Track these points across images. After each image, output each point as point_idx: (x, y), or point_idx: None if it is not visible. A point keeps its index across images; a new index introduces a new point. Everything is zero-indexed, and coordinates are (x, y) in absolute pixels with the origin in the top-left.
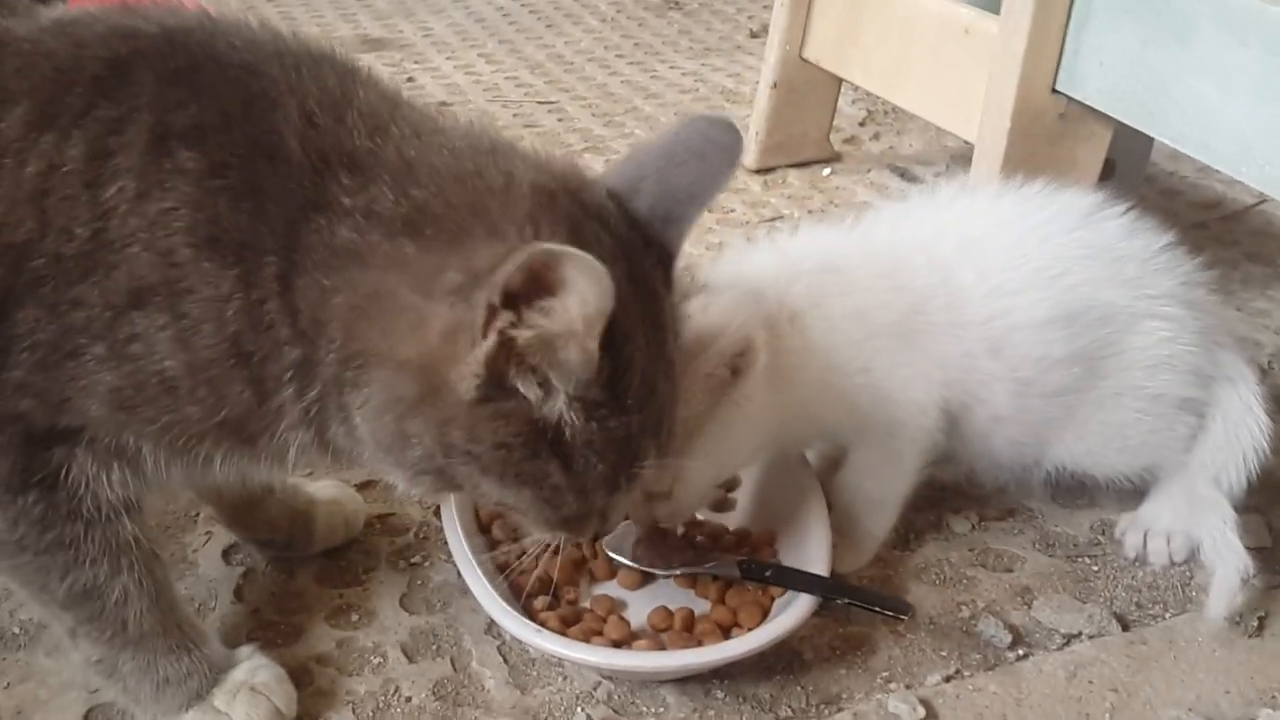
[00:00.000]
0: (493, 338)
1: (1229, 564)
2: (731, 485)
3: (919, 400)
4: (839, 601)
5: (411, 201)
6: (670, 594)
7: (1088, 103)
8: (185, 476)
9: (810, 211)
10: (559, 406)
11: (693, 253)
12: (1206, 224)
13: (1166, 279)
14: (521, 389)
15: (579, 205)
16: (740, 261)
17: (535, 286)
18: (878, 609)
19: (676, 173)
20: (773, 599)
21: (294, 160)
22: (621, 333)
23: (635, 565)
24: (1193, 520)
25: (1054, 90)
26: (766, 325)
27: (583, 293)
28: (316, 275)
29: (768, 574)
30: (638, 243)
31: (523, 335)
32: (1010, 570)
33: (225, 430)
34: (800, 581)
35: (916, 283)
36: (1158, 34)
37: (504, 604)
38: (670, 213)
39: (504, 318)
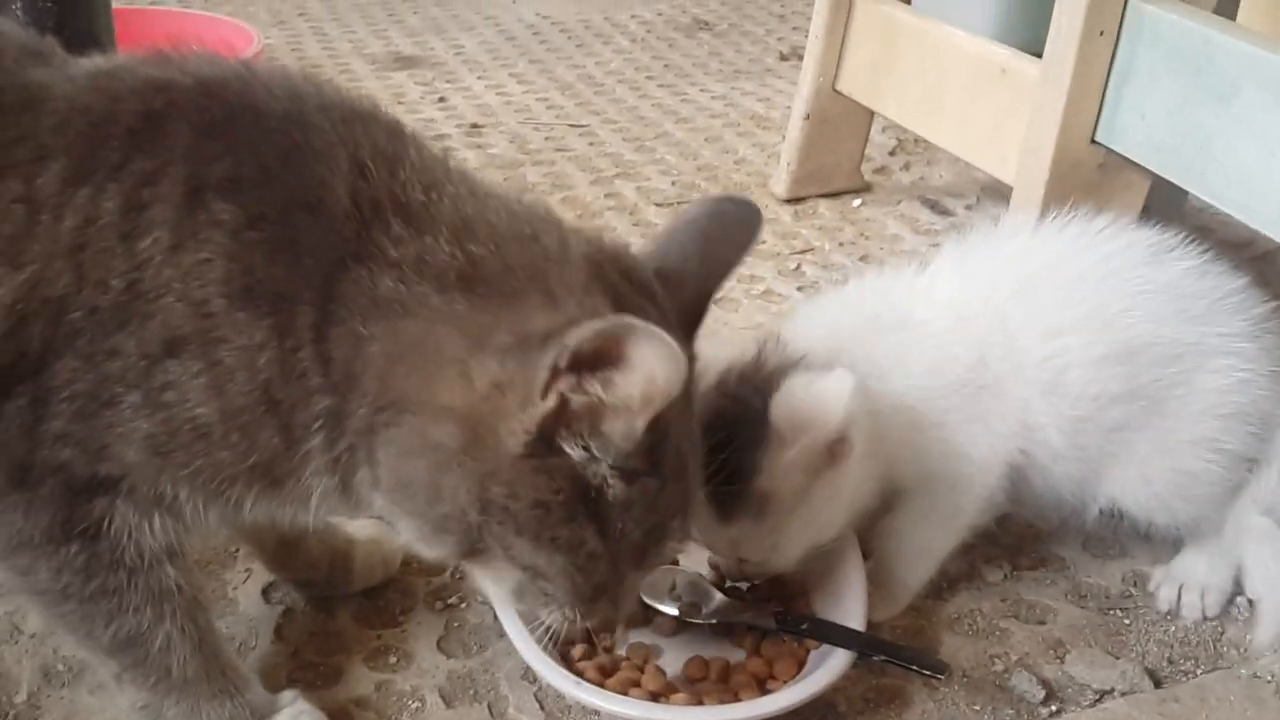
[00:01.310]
0: (553, 400)
1: (1275, 599)
2: None
3: (986, 456)
4: (875, 659)
5: (468, 257)
6: (704, 642)
7: (1127, 155)
8: (220, 519)
9: (841, 244)
10: (602, 470)
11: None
12: (1238, 264)
13: (1238, 319)
14: (567, 449)
15: (628, 279)
16: (815, 319)
17: (601, 356)
18: (915, 668)
19: (714, 250)
20: (808, 650)
21: (339, 211)
22: (668, 412)
23: (671, 612)
24: (1240, 550)
25: (1093, 141)
26: (868, 412)
27: (651, 372)
28: (353, 324)
29: (804, 626)
30: (674, 314)
31: (577, 400)
32: (1043, 622)
33: (255, 474)
34: (837, 636)
35: (979, 330)
36: (1199, 92)
37: (542, 653)
38: (707, 286)
39: (567, 381)
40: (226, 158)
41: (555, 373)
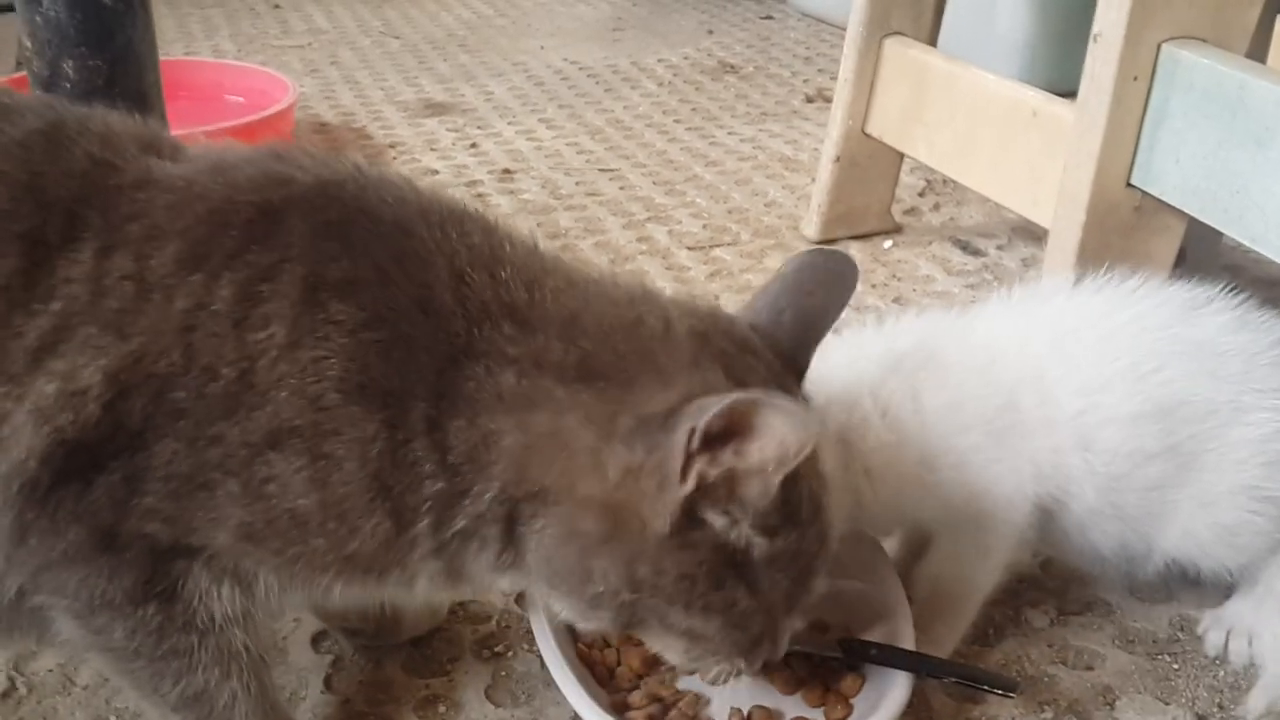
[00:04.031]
0: (692, 481)
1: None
2: None
3: (1010, 495)
4: (945, 680)
5: (581, 350)
6: (753, 691)
7: (1163, 198)
8: (302, 602)
9: (874, 286)
10: (744, 532)
11: None
12: (1274, 301)
13: (1276, 373)
14: (709, 519)
15: (732, 342)
16: (845, 348)
17: (729, 430)
18: (986, 687)
19: (808, 301)
20: (858, 691)
21: (446, 313)
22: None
23: None
24: (1259, 616)
25: (1129, 184)
26: (840, 439)
27: (781, 437)
28: (479, 419)
29: (872, 653)
30: (780, 366)
31: (714, 473)
32: (1091, 668)
33: (353, 563)
34: (904, 660)
35: (1009, 377)
36: (1234, 135)
37: (593, 702)
38: (805, 337)
39: (702, 460)
40: (344, 259)
41: (690, 455)
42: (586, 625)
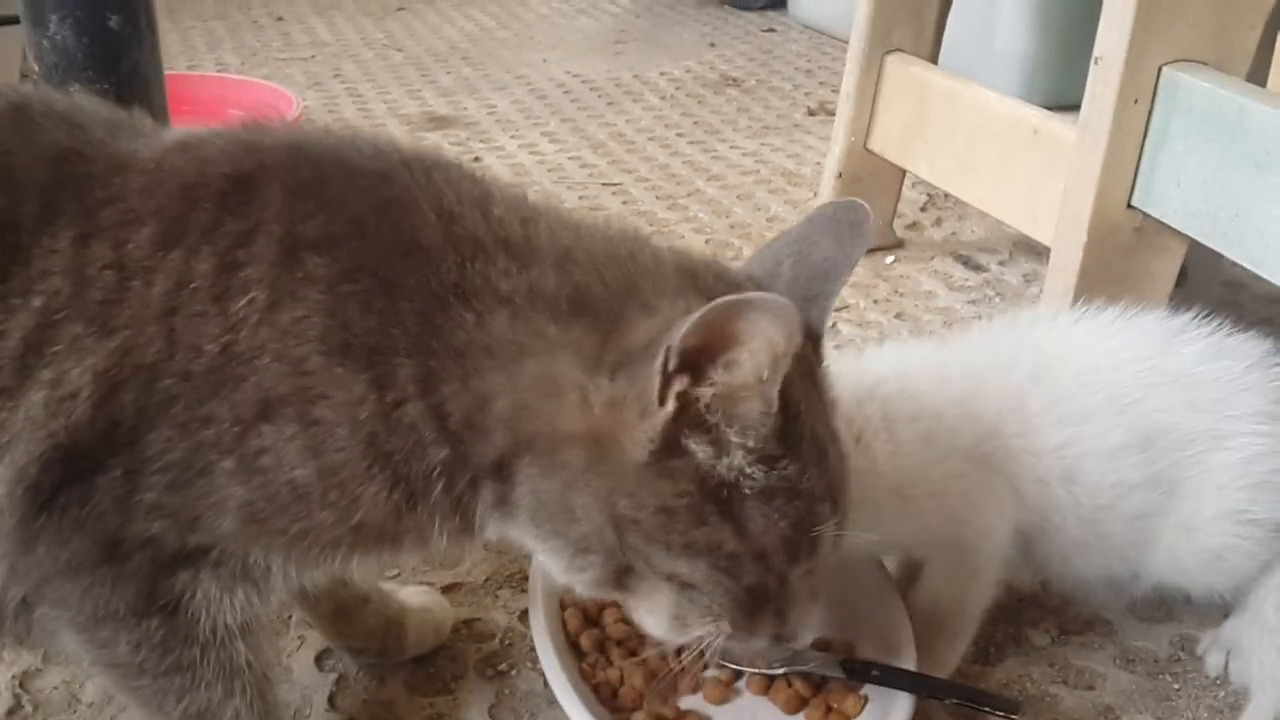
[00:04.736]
0: (671, 404)
1: (1266, 698)
2: None
3: (990, 522)
4: (946, 701)
5: (574, 283)
6: (755, 710)
7: (1164, 220)
8: (318, 582)
9: (876, 301)
10: (735, 461)
11: None
12: (1273, 320)
13: (1255, 398)
14: (693, 448)
15: (723, 282)
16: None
17: (711, 345)
18: (988, 709)
19: (812, 252)
20: (860, 711)
21: (435, 253)
22: (792, 387)
23: (736, 666)
24: (1246, 638)
25: (1130, 205)
26: None
27: (767, 333)
28: (469, 379)
29: (874, 673)
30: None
31: (704, 395)
32: (1092, 687)
33: (362, 533)
34: (906, 681)
35: (990, 408)
36: (1234, 159)
37: (592, 718)
38: (810, 291)
39: (680, 382)
40: (320, 214)
41: (667, 377)
42: (578, 582)
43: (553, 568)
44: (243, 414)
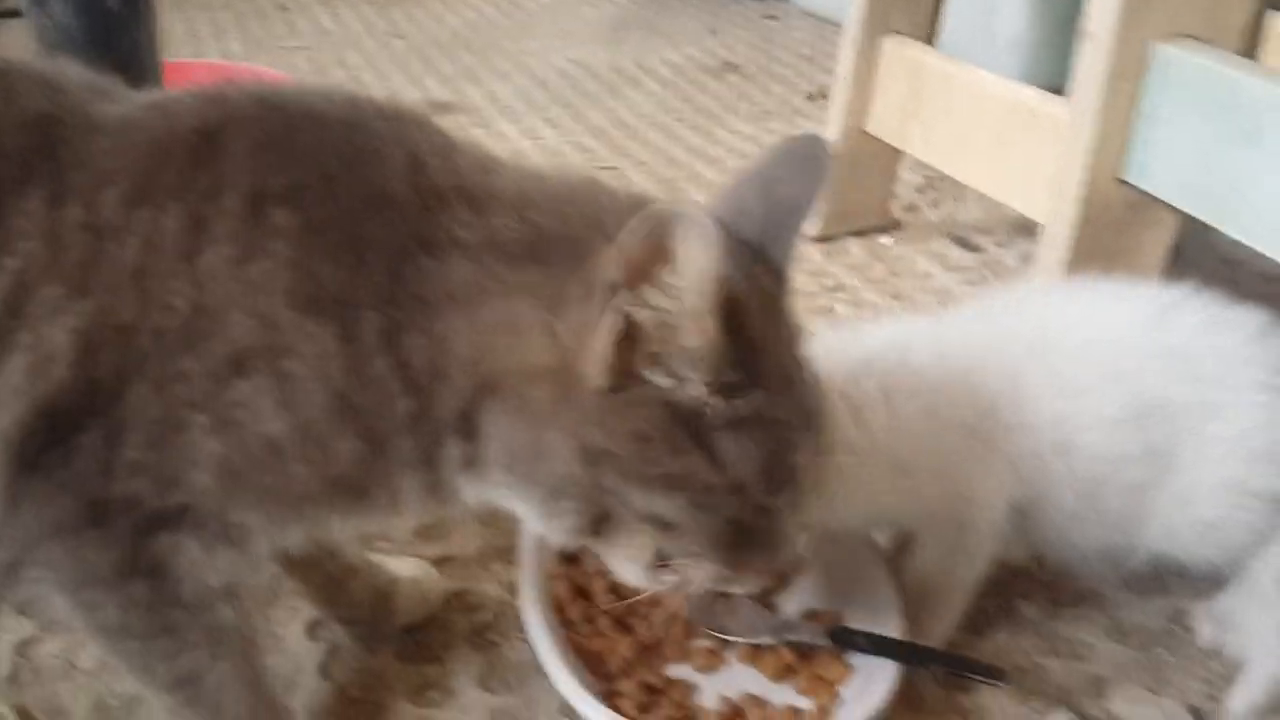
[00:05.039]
0: (613, 315)
1: (1263, 669)
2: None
3: (988, 497)
4: (933, 669)
5: (533, 227)
6: (743, 678)
7: (1155, 194)
8: (298, 542)
9: (872, 281)
10: (695, 391)
11: None
12: (1272, 296)
13: (1252, 370)
14: (653, 378)
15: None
16: (818, 349)
17: (652, 261)
18: (974, 675)
19: (777, 189)
20: (846, 679)
21: (402, 204)
22: (746, 314)
23: (724, 635)
24: (1243, 610)
25: (1121, 180)
26: None
27: (694, 253)
28: (431, 326)
29: (860, 641)
30: (748, 255)
31: (639, 315)
32: (1082, 659)
33: (337, 487)
34: (892, 649)
35: (988, 383)
36: (1227, 131)
37: (581, 689)
38: (776, 227)
39: (624, 296)
40: (287, 166)
41: (612, 289)
42: (555, 530)
43: (529, 519)
44: (215, 369)
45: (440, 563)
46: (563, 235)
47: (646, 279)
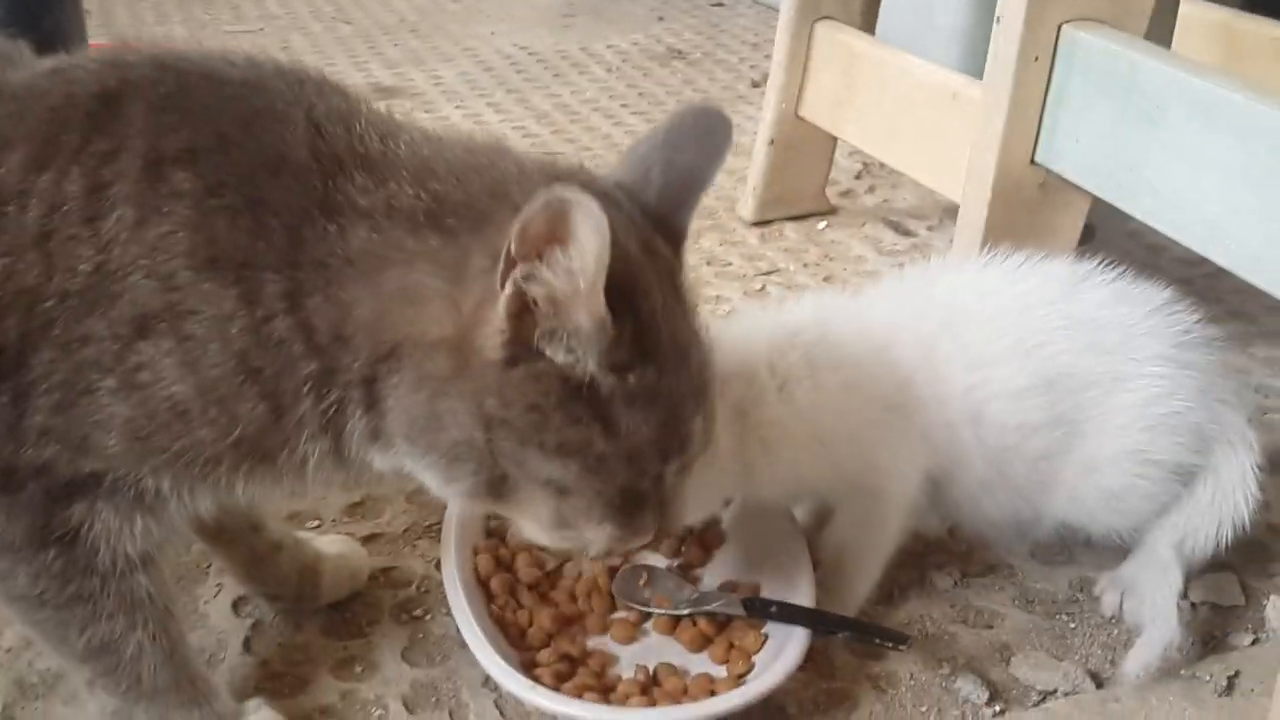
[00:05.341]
0: (509, 287)
1: (1158, 632)
2: (716, 542)
3: (903, 468)
4: (841, 635)
5: (431, 194)
6: (660, 649)
7: (1065, 176)
8: (210, 507)
9: (806, 265)
10: (588, 367)
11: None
12: (1191, 280)
13: (1155, 342)
14: (549, 352)
15: (589, 187)
16: (742, 324)
17: (549, 239)
18: (878, 640)
19: (678, 158)
20: (760, 647)
21: (301, 169)
22: (640, 292)
23: (643, 607)
24: (1141, 576)
25: (1033, 162)
26: (736, 411)
27: (585, 241)
28: (333, 290)
29: (772, 610)
30: (648, 224)
31: (535, 291)
32: (990, 627)
33: (241, 450)
34: (802, 617)
35: (905, 357)
36: (1130, 114)
37: (499, 659)
38: (677, 197)
39: (520, 269)
40: (184, 128)
41: (509, 261)
42: (455, 494)
43: (430, 483)
44: (120, 331)
45: (369, 540)
46: (465, 203)
47: (541, 256)
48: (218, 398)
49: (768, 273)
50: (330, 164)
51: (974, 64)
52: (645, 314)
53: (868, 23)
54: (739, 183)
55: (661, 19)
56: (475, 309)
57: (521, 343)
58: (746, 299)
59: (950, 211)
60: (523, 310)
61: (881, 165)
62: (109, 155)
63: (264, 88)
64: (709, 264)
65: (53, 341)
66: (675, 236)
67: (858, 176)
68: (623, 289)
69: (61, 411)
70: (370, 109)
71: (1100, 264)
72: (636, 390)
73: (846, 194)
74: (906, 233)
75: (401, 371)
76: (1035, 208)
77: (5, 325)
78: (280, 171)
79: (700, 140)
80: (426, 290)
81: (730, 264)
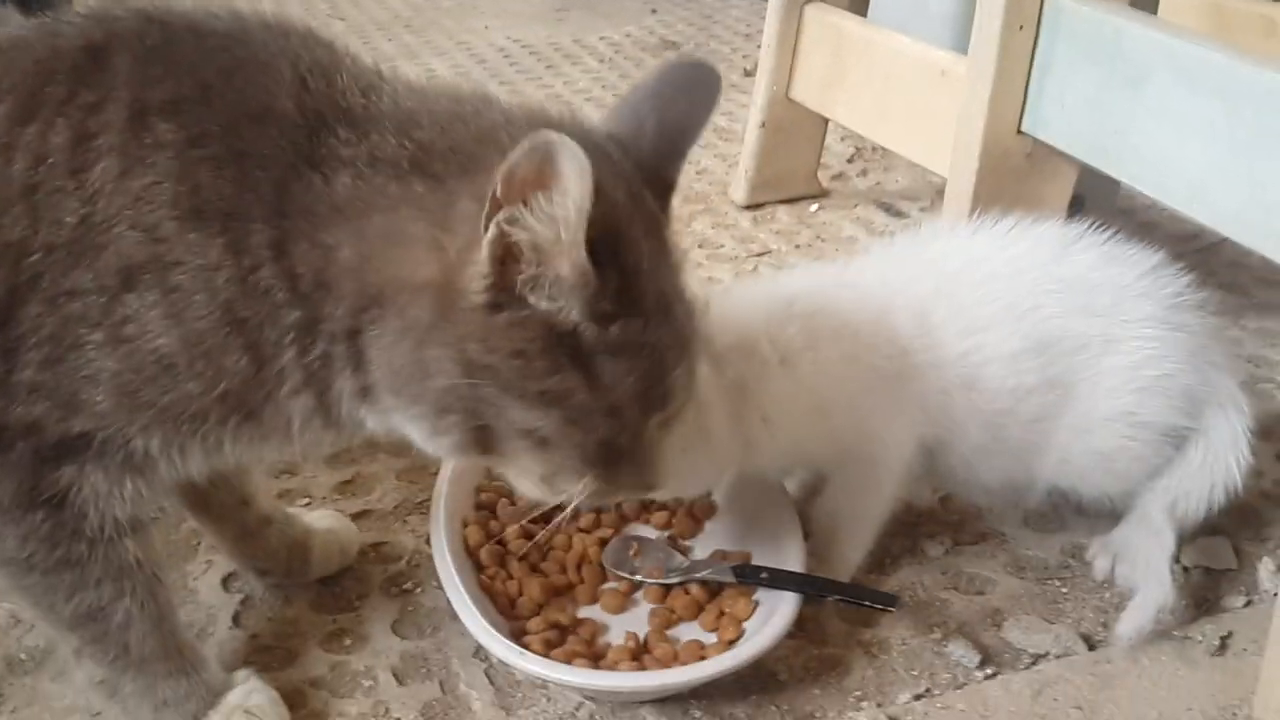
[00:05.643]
0: (493, 230)
1: (1150, 594)
2: (707, 512)
3: (899, 436)
4: (830, 598)
5: (416, 143)
6: (651, 617)
7: (1051, 144)
8: (200, 466)
9: (798, 246)
10: (572, 317)
11: None
12: (1183, 255)
13: (1147, 304)
14: (533, 300)
15: (579, 136)
16: (736, 298)
17: (535, 183)
18: (868, 603)
19: (670, 109)
20: (751, 614)
21: (286, 121)
22: (625, 243)
23: (633, 577)
24: (1133, 540)
25: (1020, 131)
26: (736, 385)
27: (570, 187)
28: (318, 235)
29: (763, 576)
30: (638, 177)
31: (518, 236)
32: (982, 593)
33: (228, 405)
34: (793, 582)
35: (900, 324)
36: (1114, 79)
37: (489, 627)
38: (669, 149)
39: (504, 213)
40: (168, 79)
41: (494, 204)
42: (442, 447)
43: (417, 437)
44: (106, 284)
45: (359, 516)
46: (451, 149)
47: (526, 202)
48: (204, 350)
49: (760, 254)
50: (314, 118)
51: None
52: (630, 265)
53: (858, 6)
54: (731, 167)
55: (654, 11)
56: (460, 253)
57: (505, 288)
58: (739, 280)
59: (942, 191)
60: (506, 255)
61: (874, 148)
62: (94, 107)
63: (249, 40)
64: (701, 246)
65: (39, 296)
66: (665, 189)
67: (850, 160)
68: (609, 239)
69: (50, 367)
70: (354, 62)
71: (1091, 227)
72: (619, 341)
73: (839, 176)
74: (898, 214)
75: (385, 320)
76: (1023, 177)
77: None
78: (264, 122)
79: (691, 93)
80: (411, 234)
81: (722, 246)
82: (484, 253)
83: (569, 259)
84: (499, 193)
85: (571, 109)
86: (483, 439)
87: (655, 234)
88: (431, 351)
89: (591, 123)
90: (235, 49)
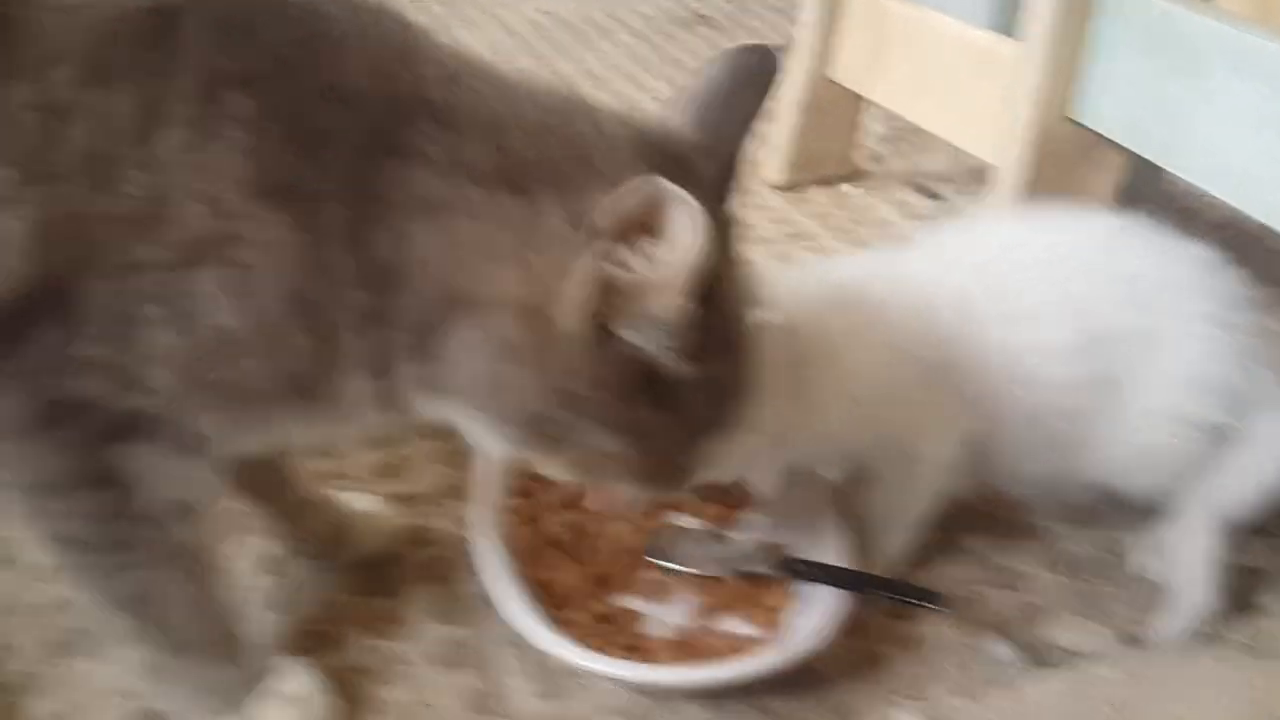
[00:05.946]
0: (591, 261)
1: (1189, 594)
2: (746, 503)
3: (944, 429)
4: (880, 595)
5: (502, 151)
6: (690, 608)
7: (1101, 132)
8: (253, 445)
9: (832, 228)
10: (659, 354)
11: None
12: (1225, 245)
13: (1198, 301)
14: (624, 334)
15: (668, 150)
16: (778, 286)
17: (642, 225)
18: (915, 601)
19: (740, 110)
20: (791, 608)
21: (364, 103)
22: (720, 284)
23: (675, 567)
24: (1173, 539)
25: (1069, 118)
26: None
27: (684, 241)
28: (395, 224)
29: (806, 570)
30: (713, 179)
31: (620, 276)
32: (1019, 589)
33: (286, 384)
34: (833, 577)
35: (944, 315)
36: (1168, 68)
37: (527, 614)
38: (733, 140)
39: (605, 247)
40: (241, 49)
41: (594, 232)
42: (500, 447)
43: (475, 434)
44: (169, 259)
45: (398, 501)
46: (537, 162)
47: (630, 240)
48: (267, 328)
49: (795, 236)
50: (394, 103)
51: (1008, 26)
52: (722, 306)
53: None
54: (764, 146)
55: None
56: (548, 275)
57: (596, 319)
58: (773, 263)
59: (978, 175)
60: (602, 287)
61: (911, 129)
62: (163, 72)
63: (326, 16)
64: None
65: (101, 267)
66: (735, 189)
67: (887, 140)
68: (706, 281)
69: (108, 341)
70: (436, 47)
71: (1141, 219)
72: (703, 379)
73: (875, 158)
74: (934, 196)
75: (462, 326)
76: (1071, 165)
77: (54, 250)
78: (342, 103)
79: (755, 82)
80: (499, 247)
81: (756, 227)
82: (578, 281)
83: (670, 302)
84: (601, 226)
85: (660, 119)
86: (545, 445)
87: (725, 248)
88: (510, 368)
89: (681, 134)
90: (312, 22)
